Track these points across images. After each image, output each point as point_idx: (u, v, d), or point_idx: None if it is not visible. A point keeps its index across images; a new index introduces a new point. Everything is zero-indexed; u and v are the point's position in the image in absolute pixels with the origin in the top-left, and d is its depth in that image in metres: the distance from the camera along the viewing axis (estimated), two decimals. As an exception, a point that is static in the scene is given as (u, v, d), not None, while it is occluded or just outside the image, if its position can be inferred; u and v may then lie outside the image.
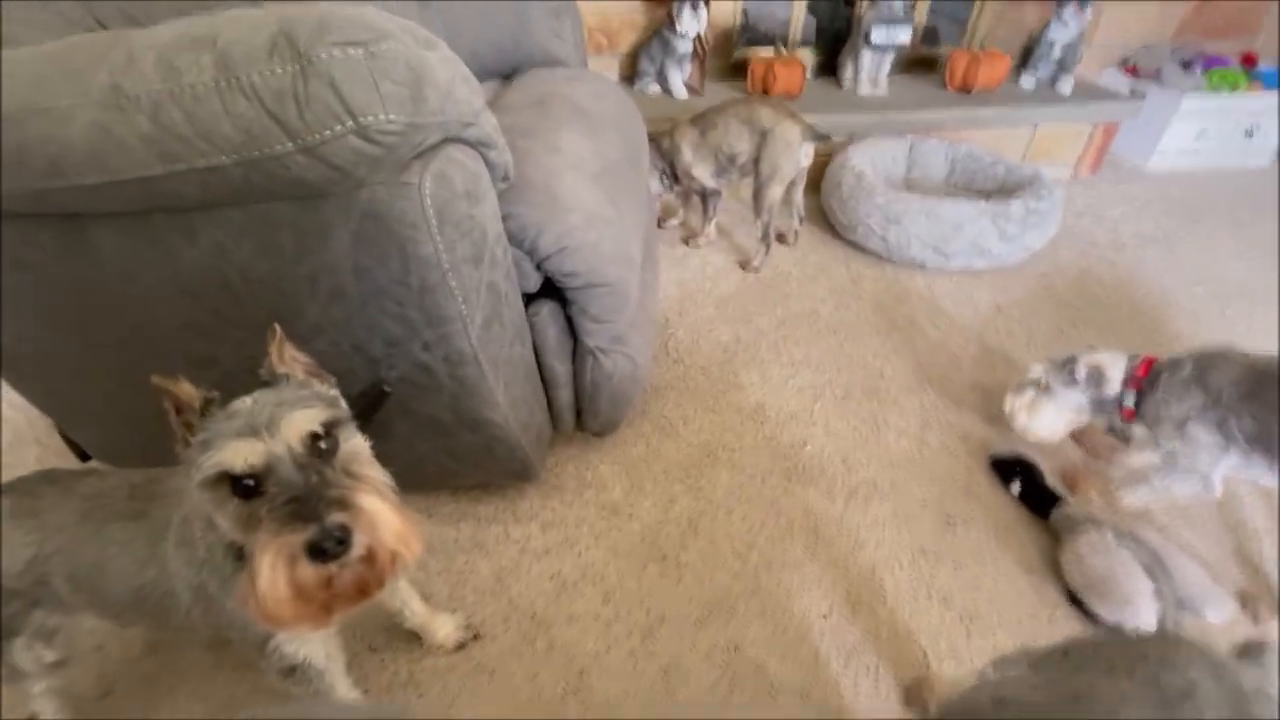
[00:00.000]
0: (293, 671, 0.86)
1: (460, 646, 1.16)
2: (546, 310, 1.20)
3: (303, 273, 0.89)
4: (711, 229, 2.23)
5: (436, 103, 0.79)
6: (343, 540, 0.59)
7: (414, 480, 1.39)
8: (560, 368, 1.28)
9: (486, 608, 1.23)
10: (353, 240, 0.85)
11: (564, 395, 1.33)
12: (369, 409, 1.05)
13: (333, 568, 0.60)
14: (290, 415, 0.65)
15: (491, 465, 1.26)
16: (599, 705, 1.08)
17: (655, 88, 2.57)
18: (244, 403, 0.67)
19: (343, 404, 0.77)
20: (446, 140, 0.87)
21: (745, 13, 2.71)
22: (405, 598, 1.09)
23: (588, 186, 1.24)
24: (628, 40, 2.65)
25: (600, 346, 1.27)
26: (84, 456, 1.50)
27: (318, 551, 0.58)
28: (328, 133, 0.72)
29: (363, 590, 0.64)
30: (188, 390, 0.68)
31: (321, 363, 0.81)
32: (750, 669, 1.12)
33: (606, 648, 1.16)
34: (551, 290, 1.19)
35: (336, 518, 0.59)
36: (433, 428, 1.14)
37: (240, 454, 0.62)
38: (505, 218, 1.05)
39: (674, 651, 1.15)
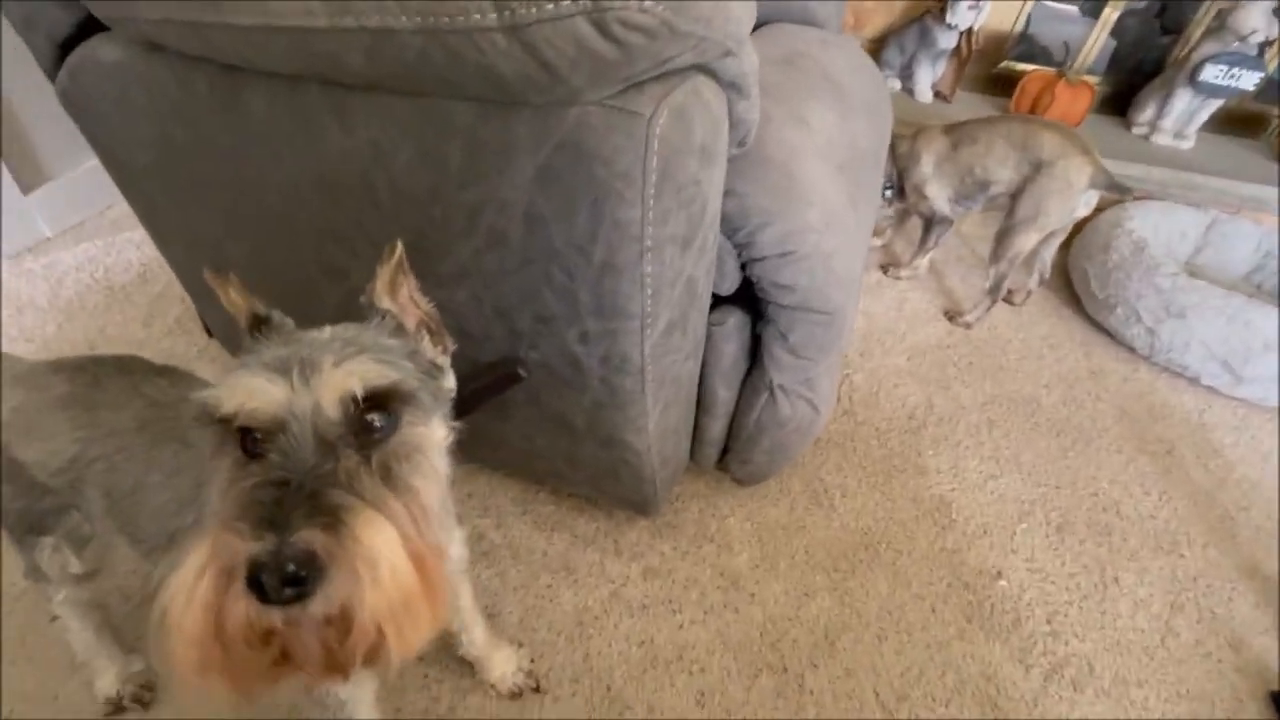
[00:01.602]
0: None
1: (515, 695, 0.94)
2: (733, 322, 0.92)
3: (465, 200, 0.67)
4: (924, 262, 1.84)
5: (707, 8, 0.53)
6: (299, 579, 0.36)
7: (516, 465, 1.24)
8: (724, 394, 1.01)
9: (557, 654, 1.00)
10: (537, 176, 0.61)
11: (716, 427, 1.06)
12: (491, 390, 0.83)
13: (275, 616, 0.37)
14: (340, 364, 0.44)
15: (610, 487, 1.02)
16: None
17: (896, 84, 2.18)
18: (306, 333, 0.49)
19: (443, 381, 0.55)
20: (698, 67, 0.61)
21: (1028, 19, 2.23)
22: (467, 622, 0.88)
23: (832, 178, 0.94)
24: (878, 23, 2.26)
25: (784, 384, 0.98)
26: (210, 333, 1.44)
27: (255, 582, 0.36)
28: (549, 7, 0.47)
29: (325, 665, 0.40)
30: (237, 298, 0.52)
31: (450, 318, 0.59)
32: None
33: (688, 770, 0.89)
34: (743, 295, 0.91)
35: (306, 537, 0.37)
36: (557, 427, 0.91)
37: (243, 393, 0.43)
38: (725, 194, 0.78)
39: (774, 811, 0.86)
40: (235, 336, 0.91)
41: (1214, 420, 1.54)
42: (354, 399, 0.44)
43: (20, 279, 1.61)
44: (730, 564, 1.14)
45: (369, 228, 0.78)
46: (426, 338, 0.56)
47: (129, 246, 1.72)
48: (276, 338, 0.50)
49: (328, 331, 0.50)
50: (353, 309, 0.53)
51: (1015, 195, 1.54)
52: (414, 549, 0.41)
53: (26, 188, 1.68)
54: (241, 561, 0.37)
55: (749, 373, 1.01)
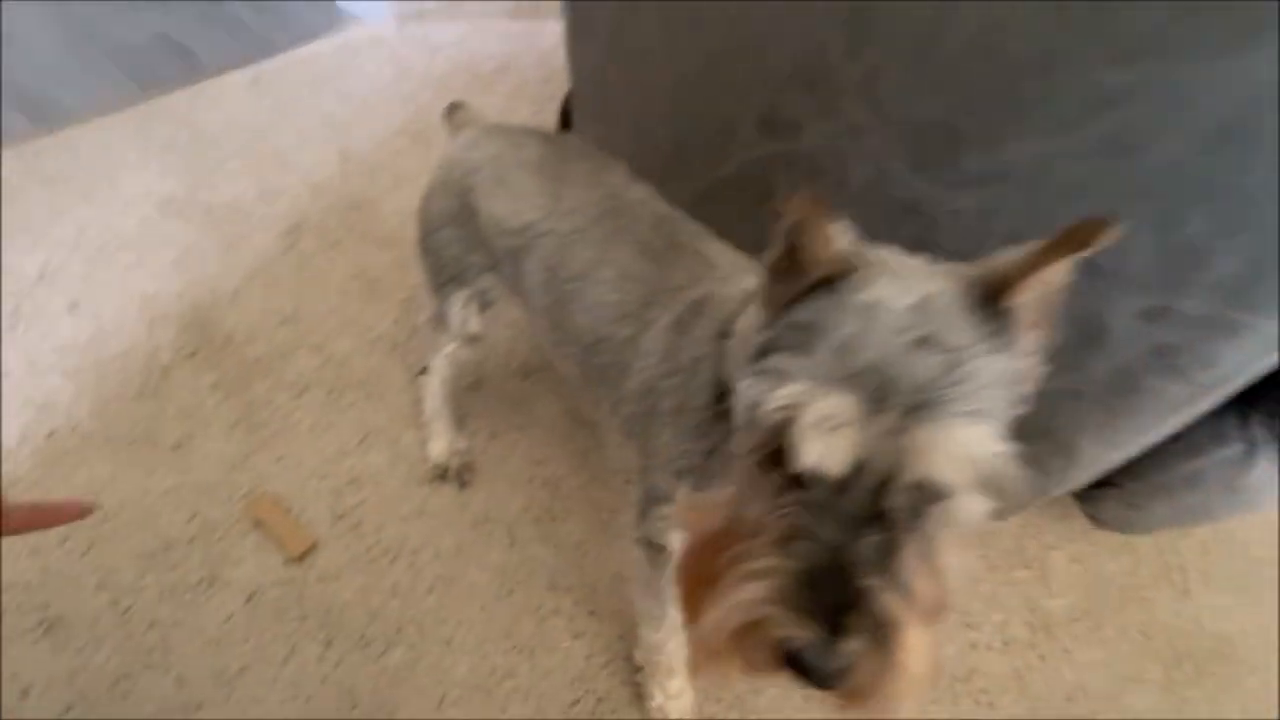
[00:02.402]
0: (657, 550, 0.68)
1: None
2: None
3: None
4: None
5: None
6: (834, 679, 0.37)
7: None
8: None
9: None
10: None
11: (1119, 455, 0.84)
12: None
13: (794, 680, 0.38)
14: (956, 429, 0.34)
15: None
16: None
17: None
18: (889, 315, 0.36)
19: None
20: None
21: None
22: None
23: None
24: None
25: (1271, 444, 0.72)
26: (566, 125, 1.39)
27: (795, 662, 0.37)
28: None
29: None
30: (828, 238, 0.37)
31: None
32: None
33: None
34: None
35: (854, 647, 0.36)
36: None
37: (824, 443, 0.35)
38: None
39: None
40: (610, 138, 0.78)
41: None
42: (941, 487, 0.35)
43: (406, 44, 1.70)
44: (1045, 603, 0.96)
45: (888, 87, 0.63)
46: (1025, 344, 0.39)
47: (493, 36, 1.75)
48: (850, 306, 0.36)
49: (937, 338, 0.35)
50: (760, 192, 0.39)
51: None
52: (931, 645, 0.37)
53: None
54: (778, 640, 0.37)
55: (1218, 412, 0.77)
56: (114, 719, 0.77)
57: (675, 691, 0.80)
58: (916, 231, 0.68)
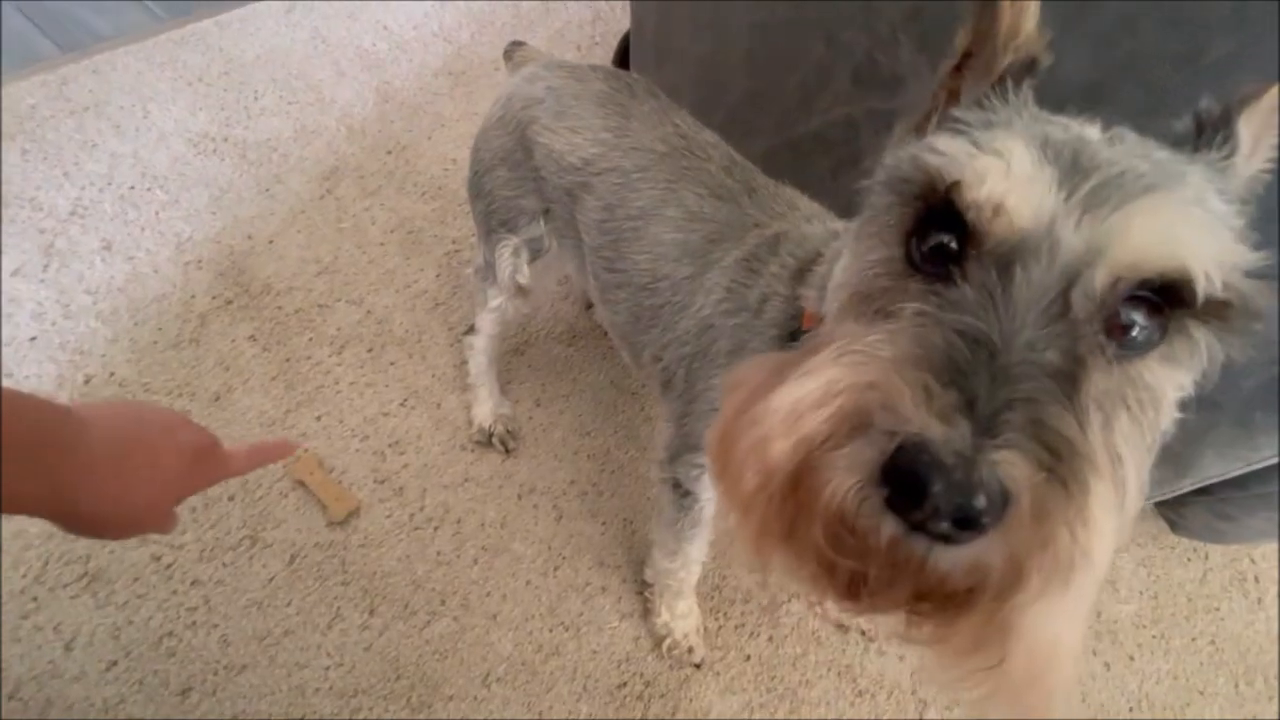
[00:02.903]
0: (683, 494, 0.66)
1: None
2: None
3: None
4: None
5: None
6: (969, 519, 0.23)
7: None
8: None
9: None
10: None
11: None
12: None
13: (893, 532, 0.25)
14: (1164, 210, 0.28)
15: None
16: None
17: None
18: (1090, 129, 0.32)
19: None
20: None
21: None
22: None
23: None
24: None
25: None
26: (623, 65, 1.28)
27: (902, 474, 0.24)
28: None
29: (902, 604, 0.28)
30: (1029, 11, 0.33)
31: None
32: None
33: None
34: None
35: (1017, 470, 0.24)
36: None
37: (1002, 177, 0.28)
38: None
39: None
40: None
41: None
42: (1153, 279, 0.28)
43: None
44: (1112, 609, 0.92)
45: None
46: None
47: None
48: (1032, 105, 0.33)
49: (1131, 141, 0.31)
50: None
51: None
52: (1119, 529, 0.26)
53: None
54: (904, 434, 0.24)
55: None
56: (160, 676, 0.76)
57: (682, 612, 0.81)
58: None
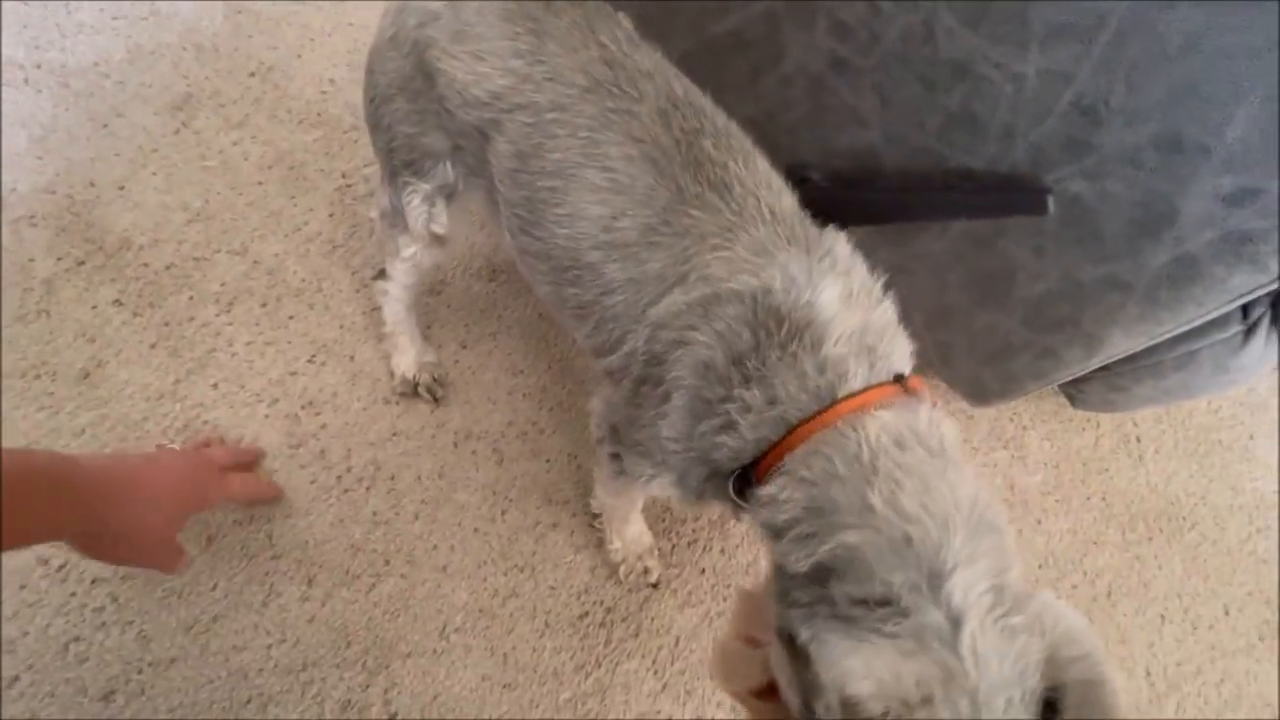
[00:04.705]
0: (621, 470, 0.63)
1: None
2: None
3: None
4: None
5: None
6: None
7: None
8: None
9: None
10: None
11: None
12: (984, 210, 0.63)
13: None
14: None
15: (966, 368, 0.85)
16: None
17: None
18: None
19: None
20: None
21: None
22: None
23: None
24: None
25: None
26: None
27: None
28: None
29: None
30: None
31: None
32: None
33: None
34: None
35: None
36: (993, 286, 0.71)
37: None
38: None
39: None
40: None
41: None
42: None
43: None
44: (1022, 480, 1.01)
45: None
46: None
47: None
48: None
49: None
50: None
51: None
52: None
53: None
54: None
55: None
56: (74, 684, 0.69)
57: (634, 536, 0.82)
58: (963, 99, 0.59)
